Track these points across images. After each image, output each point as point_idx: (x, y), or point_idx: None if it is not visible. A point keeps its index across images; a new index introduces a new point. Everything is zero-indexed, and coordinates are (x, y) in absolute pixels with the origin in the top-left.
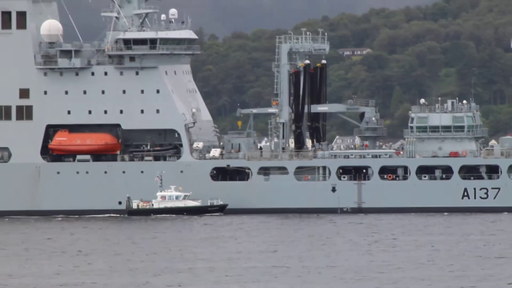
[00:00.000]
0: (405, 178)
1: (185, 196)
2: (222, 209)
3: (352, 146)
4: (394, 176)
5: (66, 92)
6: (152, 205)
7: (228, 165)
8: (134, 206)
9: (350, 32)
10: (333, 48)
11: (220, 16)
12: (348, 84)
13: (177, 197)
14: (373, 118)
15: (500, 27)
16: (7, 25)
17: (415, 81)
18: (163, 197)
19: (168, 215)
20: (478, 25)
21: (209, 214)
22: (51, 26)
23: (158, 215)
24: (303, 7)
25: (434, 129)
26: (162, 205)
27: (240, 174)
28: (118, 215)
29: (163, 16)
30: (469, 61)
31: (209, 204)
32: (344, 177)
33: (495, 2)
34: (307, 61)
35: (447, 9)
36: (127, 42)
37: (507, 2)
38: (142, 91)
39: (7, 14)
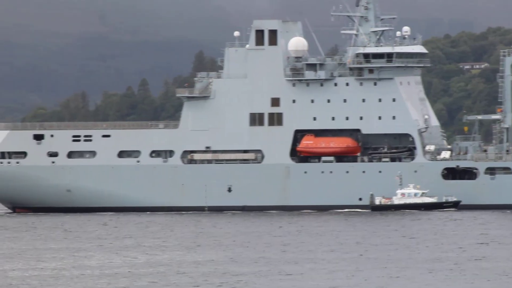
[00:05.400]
0: None
1: (423, 193)
2: (456, 205)
3: None
4: None
5: (312, 101)
6: (393, 201)
7: (457, 166)
8: (377, 202)
9: (469, 48)
10: (454, 63)
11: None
12: (467, 95)
13: (415, 194)
14: None
15: None
16: (260, 42)
17: None
18: (403, 194)
19: (408, 210)
20: None
21: (444, 210)
22: (298, 43)
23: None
24: (425, 27)
25: None
26: (402, 201)
27: (468, 173)
28: (360, 210)
29: (398, 33)
30: None
31: (444, 200)
32: None
33: None
34: None
35: None
36: (366, 56)
37: None
38: (380, 100)
39: (260, 33)
